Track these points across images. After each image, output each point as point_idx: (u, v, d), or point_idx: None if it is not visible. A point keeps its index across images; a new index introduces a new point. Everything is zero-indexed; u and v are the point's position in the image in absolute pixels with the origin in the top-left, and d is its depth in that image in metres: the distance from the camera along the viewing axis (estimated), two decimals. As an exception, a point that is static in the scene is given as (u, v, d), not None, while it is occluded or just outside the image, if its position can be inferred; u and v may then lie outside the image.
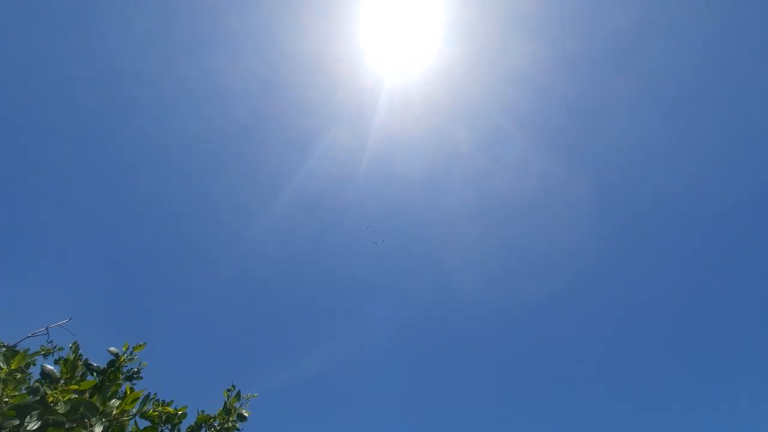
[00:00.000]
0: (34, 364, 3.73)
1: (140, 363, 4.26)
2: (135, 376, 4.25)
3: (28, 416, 2.67)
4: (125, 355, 3.73)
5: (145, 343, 3.83)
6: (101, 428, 2.88)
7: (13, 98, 19.87)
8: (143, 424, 3.49)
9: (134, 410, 3.46)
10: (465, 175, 26.74)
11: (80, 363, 3.39)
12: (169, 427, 3.78)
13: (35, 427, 2.66)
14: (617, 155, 26.42)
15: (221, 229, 25.79)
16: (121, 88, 22.42)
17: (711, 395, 24.91)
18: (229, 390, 5.11)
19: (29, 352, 3.65)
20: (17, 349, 3.62)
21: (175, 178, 24.61)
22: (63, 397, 3.02)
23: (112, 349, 3.68)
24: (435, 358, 26.48)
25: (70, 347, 4.01)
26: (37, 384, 2.94)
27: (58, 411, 2.82)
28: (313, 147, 25.15)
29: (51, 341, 4.00)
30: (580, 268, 26.42)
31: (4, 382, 2.91)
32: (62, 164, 21.82)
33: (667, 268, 26.95)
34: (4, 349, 3.92)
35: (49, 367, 3.20)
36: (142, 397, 3.46)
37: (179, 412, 4.14)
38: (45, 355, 4.07)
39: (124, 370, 4.02)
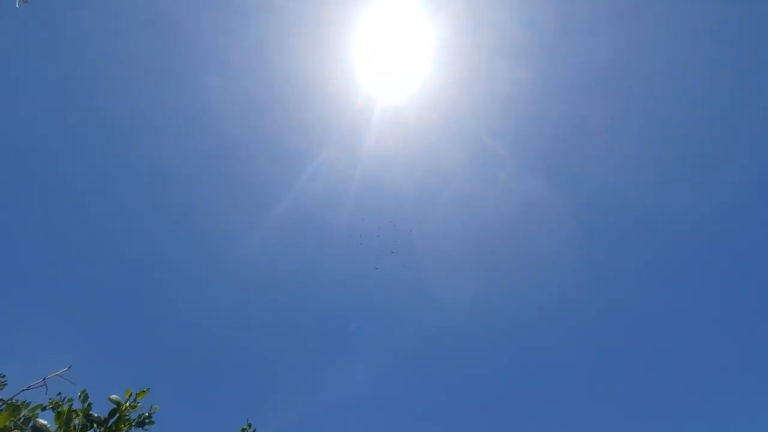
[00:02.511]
0: (36, 418, 3.49)
1: (151, 407, 3.96)
2: (147, 421, 3.95)
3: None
4: (128, 403, 3.42)
5: (148, 390, 3.52)
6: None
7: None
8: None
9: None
10: (453, 191, 27.49)
11: (78, 414, 3.11)
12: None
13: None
14: (599, 173, 27.19)
15: (215, 244, 26.39)
16: (118, 108, 23.42)
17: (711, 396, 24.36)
18: (244, 429, 4.71)
19: (31, 406, 3.43)
20: (16, 402, 3.39)
21: (170, 197, 25.39)
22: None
23: (113, 397, 3.39)
24: (424, 374, 25.81)
25: (80, 397, 3.75)
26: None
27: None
28: (306, 164, 25.76)
29: (60, 394, 3.77)
30: (567, 280, 26.90)
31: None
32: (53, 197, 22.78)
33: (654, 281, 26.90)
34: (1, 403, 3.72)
35: (42, 421, 2.94)
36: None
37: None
38: (54, 410, 3.82)
39: (134, 416, 3.73)
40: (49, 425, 2.95)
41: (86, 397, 3.88)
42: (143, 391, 3.49)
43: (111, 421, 3.29)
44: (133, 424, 3.74)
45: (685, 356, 26.15)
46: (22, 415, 3.29)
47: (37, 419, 2.95)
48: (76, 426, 3.04)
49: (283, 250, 26.55)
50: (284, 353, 26.20)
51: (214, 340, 25.28)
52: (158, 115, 24.25)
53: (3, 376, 3.86)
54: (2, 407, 3.34)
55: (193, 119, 24.93)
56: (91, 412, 3.24)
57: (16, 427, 2.93)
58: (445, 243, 27.47)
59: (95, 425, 3.25)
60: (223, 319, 25.59)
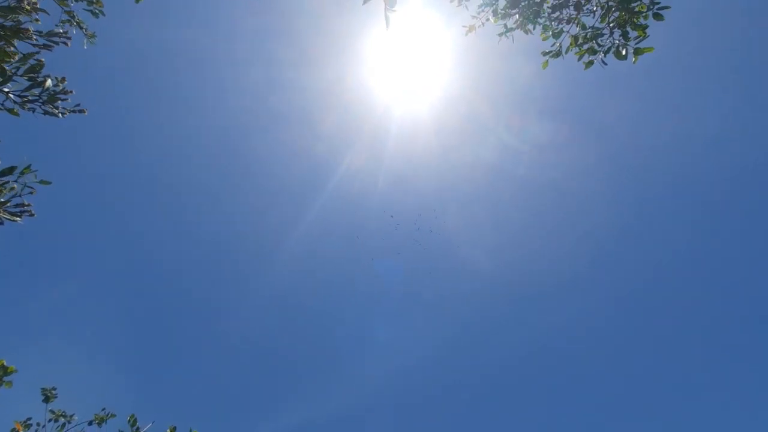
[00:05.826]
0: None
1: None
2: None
3: None
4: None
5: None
6: None
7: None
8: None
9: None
10: (475, 190, 27.77)
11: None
12: None
13: None
14: (622, 169, 27.05)
15: (245, 254, 26.96)
16: (142, 136, 23.47)
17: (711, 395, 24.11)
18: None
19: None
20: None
21: (197, 208, 25.80)
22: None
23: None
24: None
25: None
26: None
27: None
28: (332, 171, 26.20)
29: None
30: (589, 278, 26.98)
31: None
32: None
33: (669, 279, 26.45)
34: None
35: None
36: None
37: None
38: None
39: None
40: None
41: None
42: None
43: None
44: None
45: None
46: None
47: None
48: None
49: (314, 248, 26.89)
50: (305, 354, 26.67)
51: (251, 346, 25.84)
52: (183, 133, 24.54)
53: (73, 415, 4.00)
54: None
55: (216, 132, 25.26)
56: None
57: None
58: (468, 239, 27.57)
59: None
60: (261, 322, 26.15)
